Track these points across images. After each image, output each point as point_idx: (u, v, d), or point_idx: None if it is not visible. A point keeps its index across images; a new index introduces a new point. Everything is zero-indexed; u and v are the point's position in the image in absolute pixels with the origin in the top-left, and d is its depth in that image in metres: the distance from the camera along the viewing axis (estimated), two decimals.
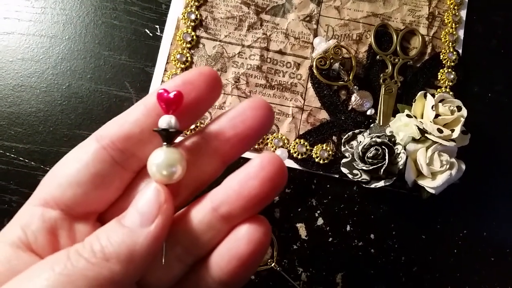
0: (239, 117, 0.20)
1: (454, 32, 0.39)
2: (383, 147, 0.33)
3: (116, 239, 0.17)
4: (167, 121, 0.19)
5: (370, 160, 0.34)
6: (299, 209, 0.36)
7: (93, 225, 0.21)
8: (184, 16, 0.38)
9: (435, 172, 0.34)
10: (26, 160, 0.35)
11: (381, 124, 0.36)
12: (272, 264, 0.34)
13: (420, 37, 0.39)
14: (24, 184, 0.35)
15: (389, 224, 0.36)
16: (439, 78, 0.38)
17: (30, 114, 0.36)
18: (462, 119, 0.34)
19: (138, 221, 0.17)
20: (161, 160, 0.19)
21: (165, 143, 0.20)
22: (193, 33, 0.37)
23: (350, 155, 0.35)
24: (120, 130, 0.20)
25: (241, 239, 0.19)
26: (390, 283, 0.35)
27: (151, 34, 0.38)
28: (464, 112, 0.34)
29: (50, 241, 0.19)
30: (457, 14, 0.40)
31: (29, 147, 0.35)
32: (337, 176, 0.36)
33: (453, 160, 0.34)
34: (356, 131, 0.36)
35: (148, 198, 0.18)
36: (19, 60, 0.37)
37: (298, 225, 0.36)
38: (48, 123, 0.36)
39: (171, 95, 0.19)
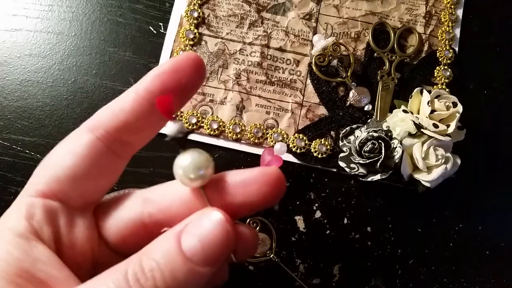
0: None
1: (451, 31, 0.40)
2: (380, 141, 0.34)
3: (181, 278, 0.17)
4: (173, 129, 0.19)
5: (367, 154, 0.34)
6: (297, 202, 0.37)
7: (90, 216, 0.21)
8: (187, 14, 0.39)
9: (431, 166, 0.34)
10: (32, 153, 0.36)
11: (378, 119, 0.37)
12: (271, 256, 0.35)
13: (417, 35, 0.39)
14: (30, 177, 0.36)
15: (385, 218, 0.37)
16: (435, 75, 0.39)
17: (36, 108, 0.37)
18: (458, 115, 0.35)
19: (201, 257, 0.17)
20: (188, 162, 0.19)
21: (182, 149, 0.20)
22: (195, 31, 0.38)
23: (348, 150, 0.36)
24: (116, 119, 0.20)
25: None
26: (386, 275, 0.36)
27: (155, 32, 0.39)
28: (460, 108, 0.35)
29: (53, 231, 0.19)
30: (453, 13, 0.40)
31: (35, 140, 0.36)
32: (335, 170, 0.37)
33: (449, 154, 0.35)
34: (354, 126, 0.37)
35: (216, 236, 0.18)
36: (27, 56, 0.38)
37: (297, 217, 0.36)
38: (54, 117, 0.37)
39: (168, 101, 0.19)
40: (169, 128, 0.19)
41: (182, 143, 0.19)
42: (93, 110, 0.36)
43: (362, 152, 0.34)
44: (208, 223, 0.18)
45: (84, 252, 0.21)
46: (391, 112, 0.37)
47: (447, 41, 0.40)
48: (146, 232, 0.22)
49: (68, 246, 0.20)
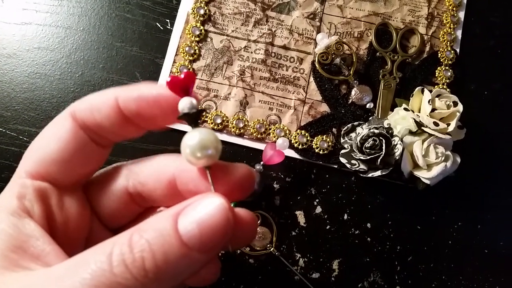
0: None
1: (452, 32, 0.41)
2: (381, 138, 0.35)
3: (173, 262, 0.16)
4: (187, 104, 0.19)
5: (367, 150, 0.35)
6: (298, 197, 0.37)
7: (80, 194, 0.22)
8: (193, 11, 0.39)
9: (431, 163, 0.35)
10: None
11: (379, 117, 0.38)
12: (271, 249, 0.35)
13: (419, 36, 0.40)
14: None
15: (385, 214, 0.37)
16: (436, 75, 0.40)
17: (44, 100, 0.38)
18: (458, 114, 0.35)
19: (197, 242, 0.17)
20: (195, 142, 0.18)
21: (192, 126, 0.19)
22: (201, 27, 0.39)
23: (349, 146, 0.36)
24: (92, 117, 0.20)
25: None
26: (385, 271, 0.36)
27: (161, 28, 0.40)
28: (460, 107, 0.36)
29: (43, 209, 0.20)
30: (455, 15, 0.41)
31: None
32: (336, 166, 0.37)
33: (449, 153, 0.35)
34: (355, 123, 0.37)
35: (215, 222, 0.17)
36: (35, 49, 0.39)
37: (297, 212, 0.37)
38: (61, 109, 0.37)
39: (182, 76, 0.19)
40: (181, 105, 0.19)
41: (192, 120, 0.19)
42: None
43: (363, 148, 0.35)
44: (210, 208, 0.17)
45: (78, 229, 0.21)
46: (392, 110, 0.38)
47: (448, 42, 0.40)
48: (135, 207, 0.23)
49: (61, 223, 0.20)
